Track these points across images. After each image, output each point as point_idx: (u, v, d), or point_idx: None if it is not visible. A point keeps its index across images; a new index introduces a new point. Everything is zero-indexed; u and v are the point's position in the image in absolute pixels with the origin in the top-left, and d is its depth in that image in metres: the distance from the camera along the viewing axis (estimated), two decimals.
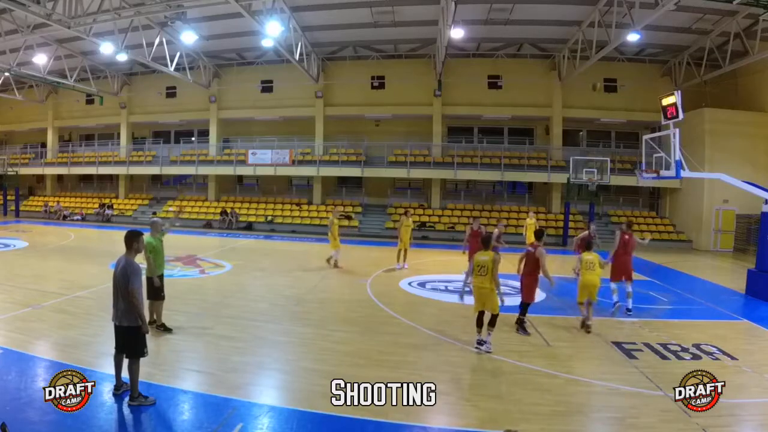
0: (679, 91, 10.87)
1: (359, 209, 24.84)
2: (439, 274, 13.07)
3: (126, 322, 4.87)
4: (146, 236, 6.37)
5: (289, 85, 25.46)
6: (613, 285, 9.48)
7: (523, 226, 19.40)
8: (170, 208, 26.53)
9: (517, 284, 11.55)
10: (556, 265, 14.80)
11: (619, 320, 8.76)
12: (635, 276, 11.85)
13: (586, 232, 12.01)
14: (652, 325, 8.47)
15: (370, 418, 4.77)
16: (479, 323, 6.97)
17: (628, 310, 9.25)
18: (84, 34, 17.76)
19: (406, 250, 13.73)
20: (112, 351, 5.12)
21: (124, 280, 4.82)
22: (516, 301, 10.12)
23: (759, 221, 12.26)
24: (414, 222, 22.74)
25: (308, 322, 8.24)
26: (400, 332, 7.77)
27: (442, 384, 5.69)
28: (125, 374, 5.02)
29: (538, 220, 22.11)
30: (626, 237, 9.49)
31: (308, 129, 25.74)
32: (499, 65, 24.18)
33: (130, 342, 4.90)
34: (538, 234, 8.27)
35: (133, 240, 5.10)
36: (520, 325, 7.92)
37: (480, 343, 6.86)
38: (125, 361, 5.01)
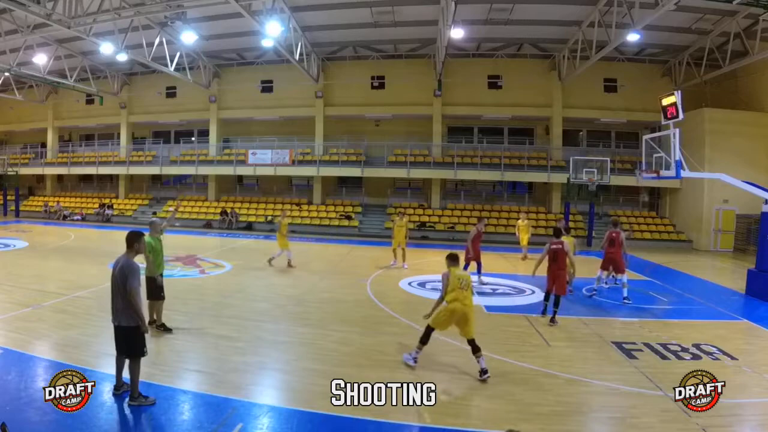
0: (679, 91, 10.87)
1: (359, 209, 24.83)
2: (439, 274, 13.01)
3: (124, 322, 4.86)
4: (146, 236, 6.36)
5: (289, 85, 25.46)
6: (599, 272, 10.63)
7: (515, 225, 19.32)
8: (170, 208, 26.54)
9: (517, 284, 11.68)
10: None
11: (619, 320, 8.76)
12: (636, 276, 11.94)
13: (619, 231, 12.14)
14: (652, 325, 8.46)
15: (370, 418, 4.77)
16: (427, 340, 6.07)
17: (625, 298, 10.01)
18: (84, 34, 17.76)
19: (403, 250, 13.83)
20: (112, 351, 5.12)
21: (122, 280, 4.82)
22: (514, 301, 10.17)
23: (759, 221, 12.25)
24: (414, 222, 22.95)
25: (308, 322, 8.24)
26: (400, 332, 7.76)
27: (442, 384, 5.70)
28: (126, 375, 5.02)
29: (534, 220, 22.15)
30: (613, 235, 10.29)
31: (308, 129, 25.74)
32: (499, 65, 24.18)
33: (129, 342, 4.90)
34: (558, 231, 8.89)
35: (134, 240, 5.09)
36: (552, 318, 8.39)
37: (415, 360, 6.04)
38: (126, 362, 5.01)
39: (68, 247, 16.93)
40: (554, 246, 8.41)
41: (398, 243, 13.82)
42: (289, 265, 13.30)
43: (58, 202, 28.37)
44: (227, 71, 27.01)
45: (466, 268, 11.43)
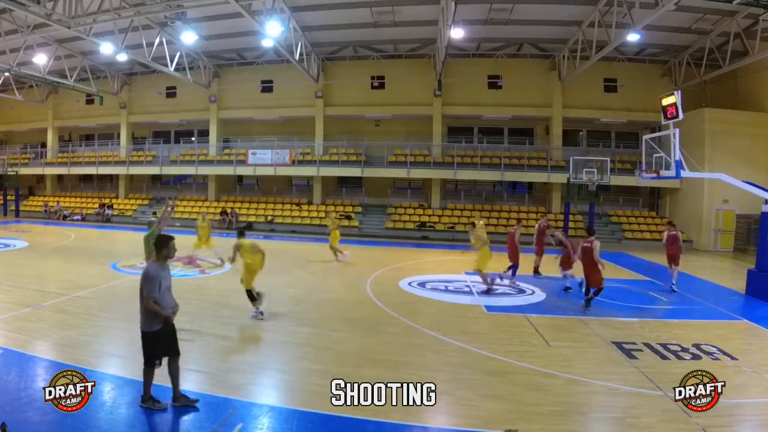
0: (679, 91, 10.88)
1: (359, 209, 24.83)
2: (439, 274, 13.07)
3: (141, 326, 4.84)
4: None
5: (289, 85, 25.45)
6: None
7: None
8: (169, 208, 26.47)
9: (518, 284, 11.70)
10: (556, 265, 14.79)
11: (619, 320, 8.75)
12: (636, 276, 11.97)
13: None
14: (652, 325, 8.46)
15: (370, 418, 4.76)
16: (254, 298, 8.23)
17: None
18: (84, 34, 17.75)
19: (332, 247, 14.99)
20: (112, 351, 5.13)
21: (140, 285, 4.80)
22: (514, 301, 10.19)
23: (759, 221, 12.25)
24: (414, 222, 23.06)
25: (308, 322, 8.24)
26: (400, 332, 7.77)
27: (442, 384, 5.70)
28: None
29: (534, 220, 22.11)
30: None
31: (308, 129, 25.73)
32: (499, 65, 24.17)
33: (142, 346, 4.87)
34: (590, 231, 9.98)
35: (162, 246, 4.98)
36: (587, 303, 9.36)
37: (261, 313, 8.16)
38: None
39: (68, 247, 16.92)
40: (584, 244, 9.22)
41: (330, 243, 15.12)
42: (198, 267, 13.37)
43: (58, 202, 28.36)
44: (227, 71, 27.00)
45: (512, 269, 11.89)
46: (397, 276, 12.56)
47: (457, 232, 22.24)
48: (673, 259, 11.45)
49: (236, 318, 8.32)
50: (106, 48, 18.88)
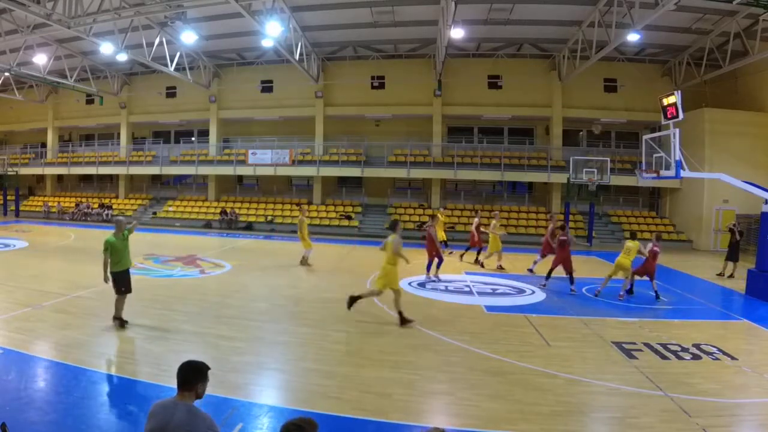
0: (679, 91, 10.87)
1: (359, 209, 24.83)
2: (438, 274, 13.04)
3: None
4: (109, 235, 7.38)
5: (289, 85, 25.46)
6: None
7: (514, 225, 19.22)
8: (170, 208, 26.52)
9: (517, 284, 11.71)
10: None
11: (619, 320, 8.76)
12: (636, 276, 11.96)
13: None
14: (652, 325, 8.46)
15: (370, 418, 4.77)
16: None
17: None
18: (84, 34, 17.76)
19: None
20: (112, 351, 5.11)
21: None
22: (514, 301, 10.19)
23: (759, 221, 12.26)
24: (414, 222, 23.03)
25: (308, 322, 8.23)
26: (400, 332, 7.77)
27: (442, 384, 5.71)
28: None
29: (534, 220, 22.13)
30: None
31: (308, 129, 25.74)
32: (499, 65, 24.17)
33: None
34: (659, 236, 10.82)
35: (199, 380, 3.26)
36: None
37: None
38: None
39: (68, 247, 16.92)
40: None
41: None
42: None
43: (59, 202, 28.37)
44: (227, 71, 27.00)
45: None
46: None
47: (456, 232, 22.22)
48: (651, 274, 10.48)
49: (236, 318, 8.32)
50: (106, 48, 18.88)
